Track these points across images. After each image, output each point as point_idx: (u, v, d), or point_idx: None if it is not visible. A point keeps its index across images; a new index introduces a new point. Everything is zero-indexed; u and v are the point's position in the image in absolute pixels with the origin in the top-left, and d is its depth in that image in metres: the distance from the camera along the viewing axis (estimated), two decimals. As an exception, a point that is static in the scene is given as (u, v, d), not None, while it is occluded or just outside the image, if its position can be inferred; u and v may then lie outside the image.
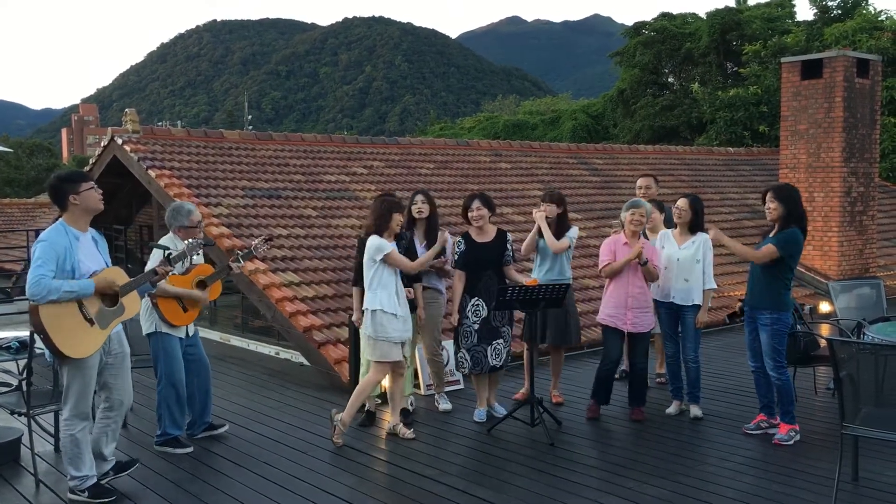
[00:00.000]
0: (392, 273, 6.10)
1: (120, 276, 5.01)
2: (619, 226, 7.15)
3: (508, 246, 6.69)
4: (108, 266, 5.03)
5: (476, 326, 6.51)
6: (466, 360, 6.55)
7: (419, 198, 6.96)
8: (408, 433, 6.22)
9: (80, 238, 4.92)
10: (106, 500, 5.03)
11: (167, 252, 5.43)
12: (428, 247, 6.88)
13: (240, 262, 6.32)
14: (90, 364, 4.93)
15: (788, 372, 6.08)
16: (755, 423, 6.23)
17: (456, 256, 6.71)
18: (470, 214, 6.65)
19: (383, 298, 6.04)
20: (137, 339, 6.70)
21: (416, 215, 6.94)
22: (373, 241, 6.10)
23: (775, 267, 5.94)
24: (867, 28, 20.92)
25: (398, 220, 6.17)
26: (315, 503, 5.04)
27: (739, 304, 6.41)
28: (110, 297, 4.96)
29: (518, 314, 7.21)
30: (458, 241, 6.69)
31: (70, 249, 4.80)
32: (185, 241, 5.80)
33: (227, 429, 6.43)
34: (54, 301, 4.69)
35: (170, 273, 5.38)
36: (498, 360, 6.54)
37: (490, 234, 6.66)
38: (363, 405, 6.72)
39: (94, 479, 5.07)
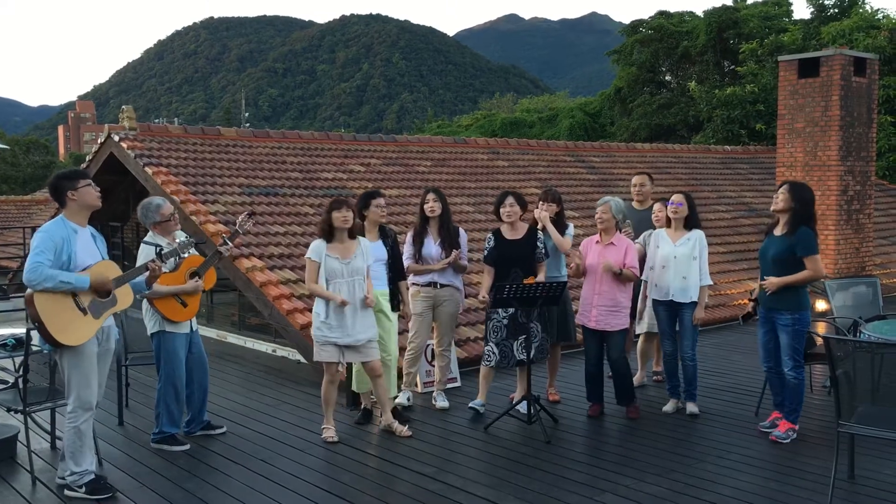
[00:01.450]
0: (324, 276, 6.03)
1: (113, 270, 5.09)
2: (628, 226, 7.16)
3: (539, 243, 6.69)
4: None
5: (505, 321, 6.50)
6: (494, 353, 6.52)
7: (431, 196, 6.94)
8: (404, 431, 6.22)
9: (79, 232, 5.01)
10: (103, 496, 5.03)
11: (158, 248, 5.45)
12: (442, 244, 6.87)
13: (227, 244, 6.30)
14: (88, 352, 4.97)
15: (804, 372, 6.05)
16: (770, 421, 6.23)
17: (485, 252, 6.75)
18: (502, 210, 6.66)
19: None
20: (137, 337, 6.71)
21: (429, 214, 6.92)
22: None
23: (793, 268, 5.91)
24: (864, 27, 20.93)
25: (337, 217, 6.01)
26: (312, 500, 5.03)
27: (752, 303, 6.40)
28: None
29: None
30: (489, 238, 6.74)
31: (68, 241, 4.91)
32: (177, 241, 5.79)
33: (225, 430, 6.42)
34: (49, 289, 4.76)
35: (161, 268, 5.38)
36: (523, 354, 6.48)
37: (521, 231, 6.68)
38: (359, 403, 6.73)
39: (93, 475, 5.07)
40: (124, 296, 5.15)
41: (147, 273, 5.28)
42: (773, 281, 5.95)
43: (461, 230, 7.09)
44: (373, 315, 6.21)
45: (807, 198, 6.00)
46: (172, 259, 5.68)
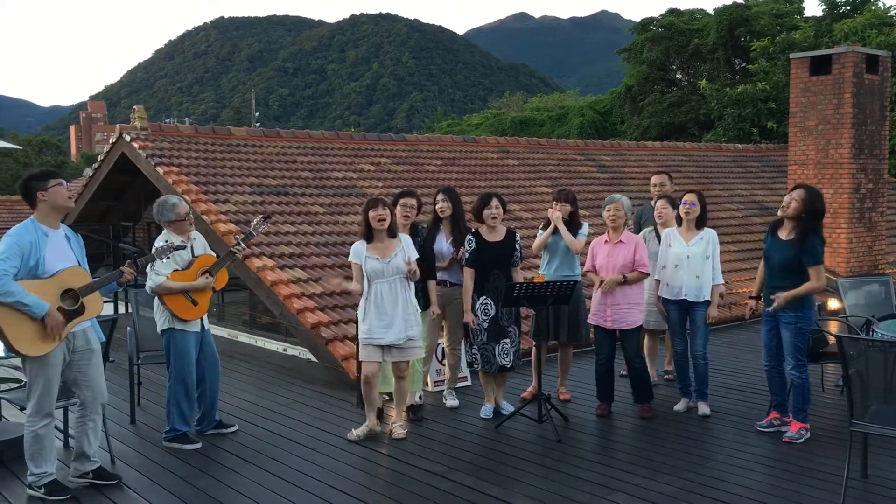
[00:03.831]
0: (366, 277, 6.05)
1: (82, 277, 5.02)
2: (632, 226, 7.16)
3: (517, 246, 6.68)
4: (78, 264, 5.04)
5: (486, 325, 6.52)
6: (478, 358, 6.57)
7: (440, 196, 6.99)
8: (399, 433, 6.19)
9: (50, 235, 4.94)
10: (60, 497, 5.03)
11: (135, 254, 5.43)
12: (454, 243, 6.88)
13: (241, 244, 6.31)
14: (52, 362, 4.93)
15: (808, 371, 6.03)
16: (767, 421, 6.21)
17: (466, 254, 6.71)
18: (487, 212, 6.61)
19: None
20: (147, 336, 6.74)
21: (440, 214, 6.96)
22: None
23: (798, 275, 5.88)
24: (876, 24, 20.81)
25: (372, 216, 6.02)
26: (323, 499, 5.05)
27: (752, 300, 6.40)
28: (71, 296, 4.95)
29: (525, 311, 7.21)
30: (469, 240, 6.68)
31: (36, 245, 4.84)
32: (155, 247, 5.75)
33: (237, 428, 6.44)
34: (4, 304, 4.71)
35: (133, 275, 5.28)
36: (507, 359, 6.54)
37: (500, 233, 6.66)
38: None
39: (53, 477, 5.07)
40: (93, 304, 5.06)
41: (122, 279, 5.17)
42: (781, 297, 5.89)
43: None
44: (417, 313, 6.18)
45: (819, 209, 5.95)
46: (149, 265, 5.67)
